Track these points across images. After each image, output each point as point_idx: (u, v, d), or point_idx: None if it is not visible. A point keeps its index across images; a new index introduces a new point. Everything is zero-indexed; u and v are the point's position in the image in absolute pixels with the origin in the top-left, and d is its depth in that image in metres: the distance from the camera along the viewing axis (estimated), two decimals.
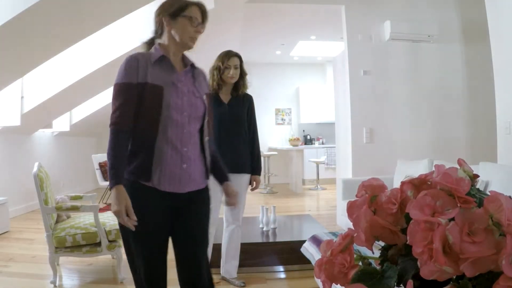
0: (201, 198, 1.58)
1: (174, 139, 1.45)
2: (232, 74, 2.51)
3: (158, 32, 1.54)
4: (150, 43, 1.56)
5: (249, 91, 2.70)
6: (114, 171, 1.35)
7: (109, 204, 1.37)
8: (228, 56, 2.53)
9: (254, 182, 2.68)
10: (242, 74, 2.60)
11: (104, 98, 6.47)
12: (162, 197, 1.44)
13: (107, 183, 5.89)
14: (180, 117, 1.46)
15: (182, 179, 1.47)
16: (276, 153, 8.09)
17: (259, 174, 2.71)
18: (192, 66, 1.57)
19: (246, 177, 2.63)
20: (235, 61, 2.53)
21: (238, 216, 2.64)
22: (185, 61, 1.57)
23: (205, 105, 1.55)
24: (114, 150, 1.37)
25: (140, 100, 1.41)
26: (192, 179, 1.50)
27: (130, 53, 1.46)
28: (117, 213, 1.32)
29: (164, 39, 1.52)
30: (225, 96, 2.60)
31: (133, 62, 1.42)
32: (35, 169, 2.65)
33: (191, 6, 1.50)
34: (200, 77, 1.60)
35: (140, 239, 1.43)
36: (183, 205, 1.51)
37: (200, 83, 1.58)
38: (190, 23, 1.48)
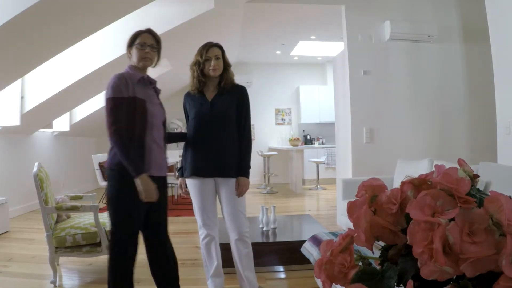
0: (165, 183, 2.10)
1: (157, 138, 1.96)
2: (214, 66, 2.22)
3: (130, 58, 2.00)
4: None
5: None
6: (133, 165, 1.79)
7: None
8: (206, 47, 2.26)
9: (238, 185, 2.25)
10: (226, 66, 2.31)
11: (104, 98, 6.47)
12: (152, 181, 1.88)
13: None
14: (157, 121, 1.96)
15: (163, 166, 2.03)
16: (276, 153, 8.09)
17: (246, 176, 2.28)
18: (153, 82, 2.04)
19: (233, 181, 2.27)
20: (215, 51, 2.25)
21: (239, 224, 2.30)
22: (149, 79, 2.02)
23: (165, 111, 2.09)
24: (124, 150, 1.80)
25: (131, 110, 1.83)
26: (165, 166, 2.06)
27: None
28: (152, 191, 1.82)
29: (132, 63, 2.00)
30: (211, 94, 2.31)
31: (122, 80, 1.85)
32: (35, 169, 2.65)
33: (142, 34, 1.97)
34: (157, 91, 2.09)
35: (138, 209, 1.89)
36: (159, 186, 1.91)
37: (158, 95, 2.10)
38: (140, 48, 1.94)
